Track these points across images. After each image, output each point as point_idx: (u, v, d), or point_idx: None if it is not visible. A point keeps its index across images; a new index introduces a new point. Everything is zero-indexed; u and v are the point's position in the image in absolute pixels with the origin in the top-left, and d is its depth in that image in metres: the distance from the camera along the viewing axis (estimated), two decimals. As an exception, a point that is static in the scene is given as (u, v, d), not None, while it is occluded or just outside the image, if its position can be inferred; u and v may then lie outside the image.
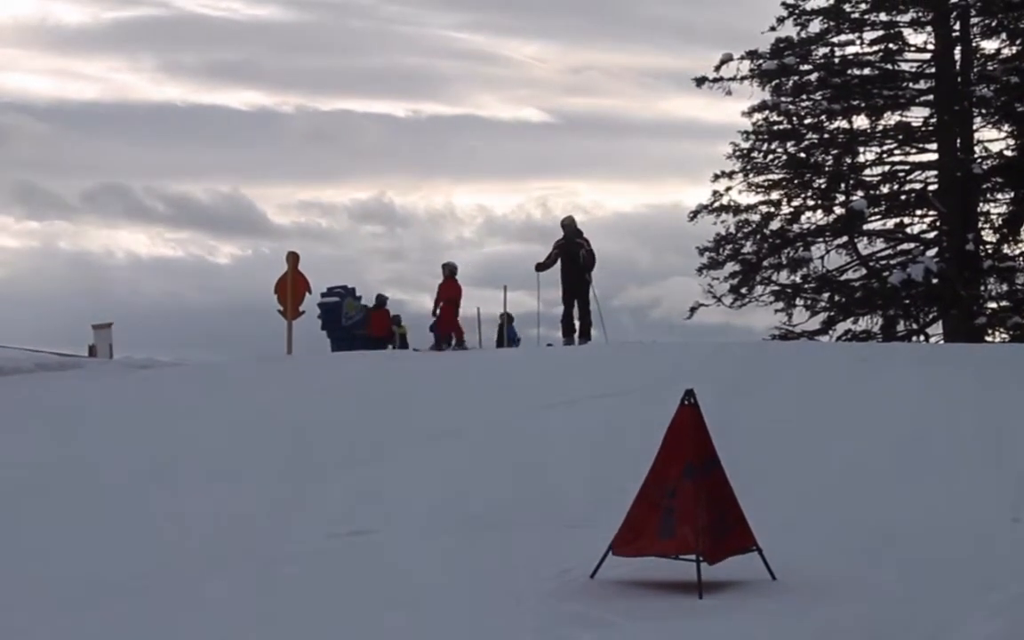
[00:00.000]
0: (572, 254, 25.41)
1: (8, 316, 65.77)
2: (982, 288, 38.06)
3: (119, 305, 72.51)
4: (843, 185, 39.25)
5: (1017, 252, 38.37)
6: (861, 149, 39.67)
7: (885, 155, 39.50)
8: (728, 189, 39.97)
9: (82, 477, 13.24)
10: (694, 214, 40.29)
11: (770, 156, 40.22)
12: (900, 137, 39.08)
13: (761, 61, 39.73)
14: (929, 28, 38.72)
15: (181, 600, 8.60)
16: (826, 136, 39.75)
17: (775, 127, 40.07)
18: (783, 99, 39.67)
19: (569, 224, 25.89)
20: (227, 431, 15.55)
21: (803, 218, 39.77)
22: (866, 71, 39.51)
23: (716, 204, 39.92)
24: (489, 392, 17.49)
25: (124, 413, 17.64)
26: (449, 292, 28.55)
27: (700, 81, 40.05)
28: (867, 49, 39.31)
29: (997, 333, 38.31)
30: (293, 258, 26.78)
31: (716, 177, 40.02)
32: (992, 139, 38.86)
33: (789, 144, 39.89)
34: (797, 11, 39.35)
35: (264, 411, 16.92)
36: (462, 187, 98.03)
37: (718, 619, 7.60)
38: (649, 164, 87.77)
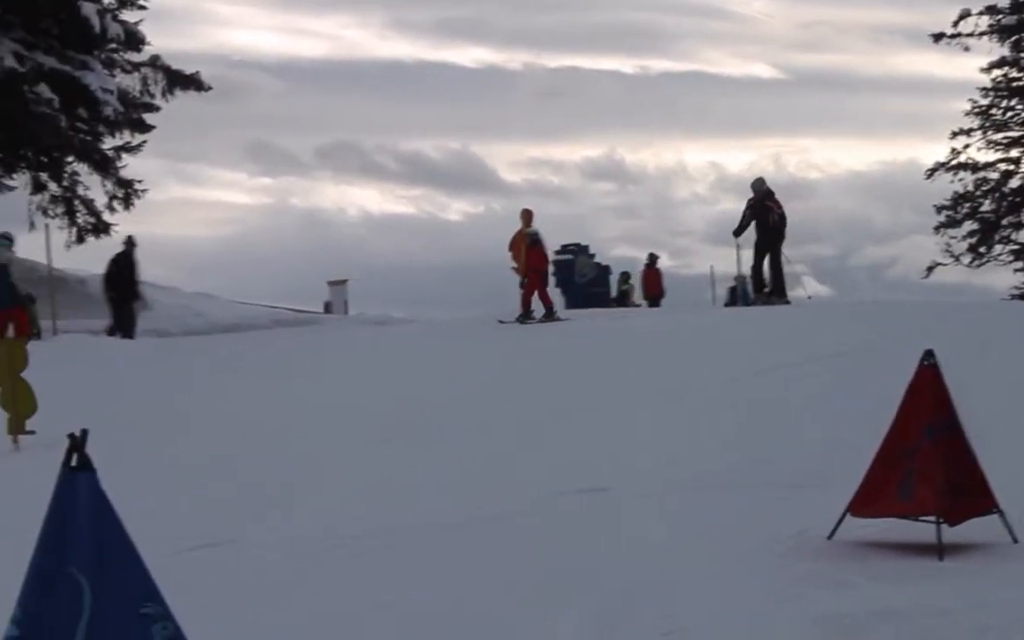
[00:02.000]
0: (762, 215, 25.10)
1: (243, 272, 67.36)
2: None
3: (351, 261, 73.86)
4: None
5: None
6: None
7: None
8: (966, 146, 39.12)
9: (346, 424, 13.60)
10: (931, 172, 39.55)
11: (1009, 113, 39.26)
12: None
13: (1000, 16, 38.73)
14: None
15: (446, 547, 8.81)
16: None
17: (1015, 83, 39.05)
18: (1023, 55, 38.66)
19: (758, 186, 25.63)
20: (463, 386, 15.80)
21: (1044, 176, 38.78)
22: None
23: (954, 162, 39.10)
24: (718, 352, 17.42)
25: (371, 366, 18.11)
26: (538, 262, 24.41)
27: (938, 37, 39.25)
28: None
29: None
30: (527, 215, 26.89)
31: (954, 134, 39.21)
32: None
33: (1029, 100, 38.87)
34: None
35: (497, 367, 17.12)
36: (693, 144, 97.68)
37: (959, 582, 7.46)
38: (883, 121, 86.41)
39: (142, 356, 22.26)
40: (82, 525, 4.52)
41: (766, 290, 25.33)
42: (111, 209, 38.89)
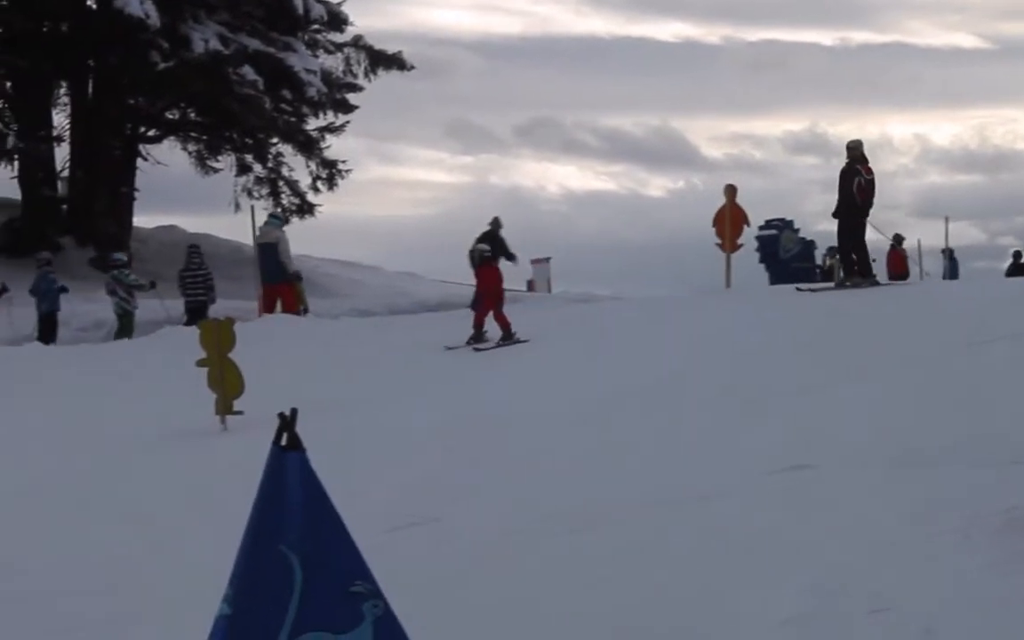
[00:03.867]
0: (848, 181, 22.32)
1: (445, 251, 67.88)
2: None
3: (552, 239, 73.99)
4: None
5: None
6: None
7: None
8: None
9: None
10: None
11: None
12: None
13: None
14: None
15: (657, 525, 8.74)
16: None
17: None
18: None
19: (853, 147, 22.65)
20: (668, 364, 15.70)
21: None
22: None
23: None
24: (927, 324, 17.03)
25: (576, 342, 18.16)
26: (490, 282, 20.72)
27: None
28: None
29: None
30: (731, 191, 26.62)
31: None
32: None
33: None
34: None
35: (701, 345, 16.98)
36: (897, 116, 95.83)
37: None
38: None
39: (345, 335, 22.52)
40: (293, 504, 4.54)
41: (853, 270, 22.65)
42: (315, 190, 39.53)
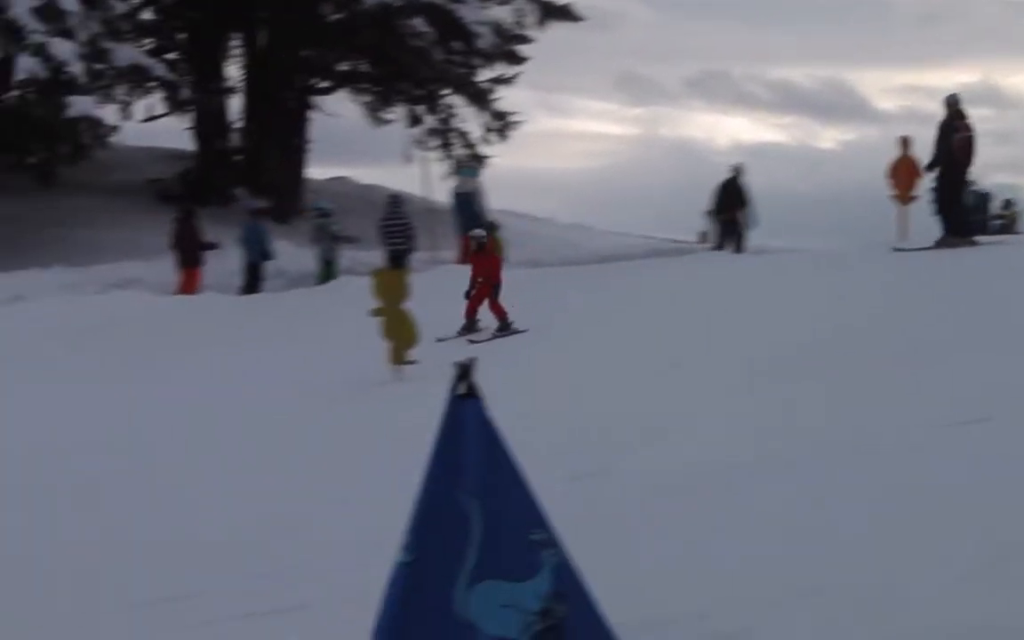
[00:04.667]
0: (945, 137, 21.64)
1: (615, 202, 67.73)
2: None
3: (723, 192, 73.24)
4: None
5: None
6: None
7: None
8: None
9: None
10: None
11: None
12: None
13: None
14: None
15: (830, 473, 8.63)
16: None
17: None
18: None
19: (952, 103, 21.85)
20: (842, 317, 15.49)
21: None
22: None
23: None
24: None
25: (747, 296, 18.02)
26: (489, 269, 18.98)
27: None
28: None
29: None
30: (905, 142, 26.17)
31: None
32: None
33: None
34: None
35: (876, 298, 16.72)
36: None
37: None
38: None
39: (520, 286, 22.56)
40: (471, 452, 4.55)
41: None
42: (486, 141, 39.60)
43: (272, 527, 9.21)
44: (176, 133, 38.64)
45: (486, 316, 18.00)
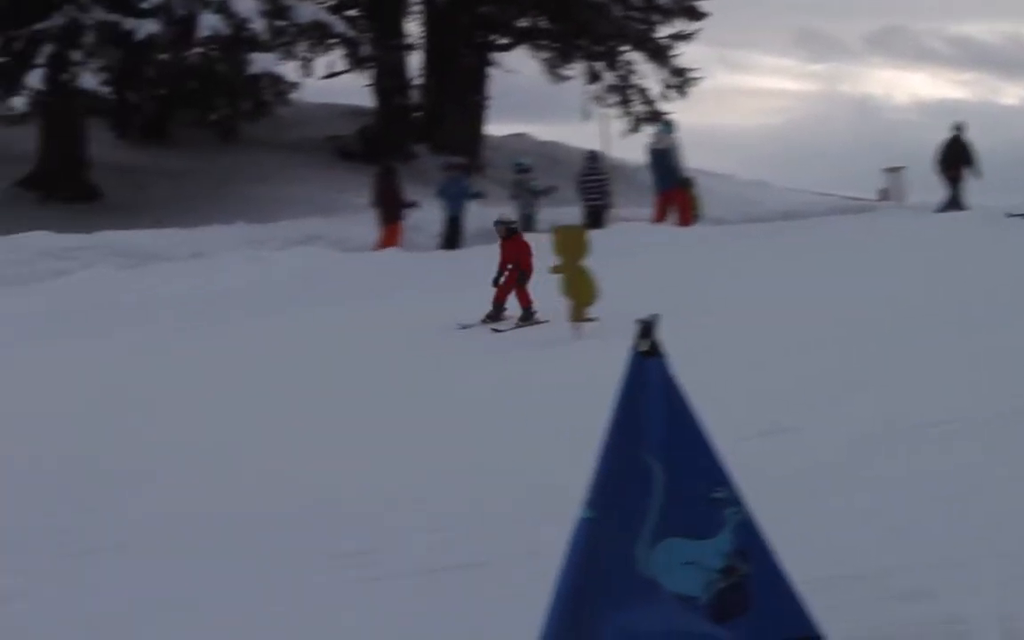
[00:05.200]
0: None
1: (793, 159, 66.91)
2: None
3: (903, 148, 72.11)
4: None
5: None
6: None
7: None
8: None
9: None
10: None
11: None
12: None
13: None
14: None
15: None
16: None
17: None
18: None
19: None
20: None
21: None
22: None
23: None
24: None
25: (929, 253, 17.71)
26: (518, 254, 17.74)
27: None
28: None
29: None
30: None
31: None
32: None
33: None
34: None
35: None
36: None
37: None
38: None
39: (696, 243, 22.44)
40: (654, 410, 4.52)
41: None
42: (665, 98, 39.37)
43: (451, 481, 9.25)
44: (356, 90, 39.09)
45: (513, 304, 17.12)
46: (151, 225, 26.39)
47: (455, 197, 27.11)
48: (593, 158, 28.63)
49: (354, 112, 39.93)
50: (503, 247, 17.62)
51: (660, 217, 26.67)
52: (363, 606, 7.00)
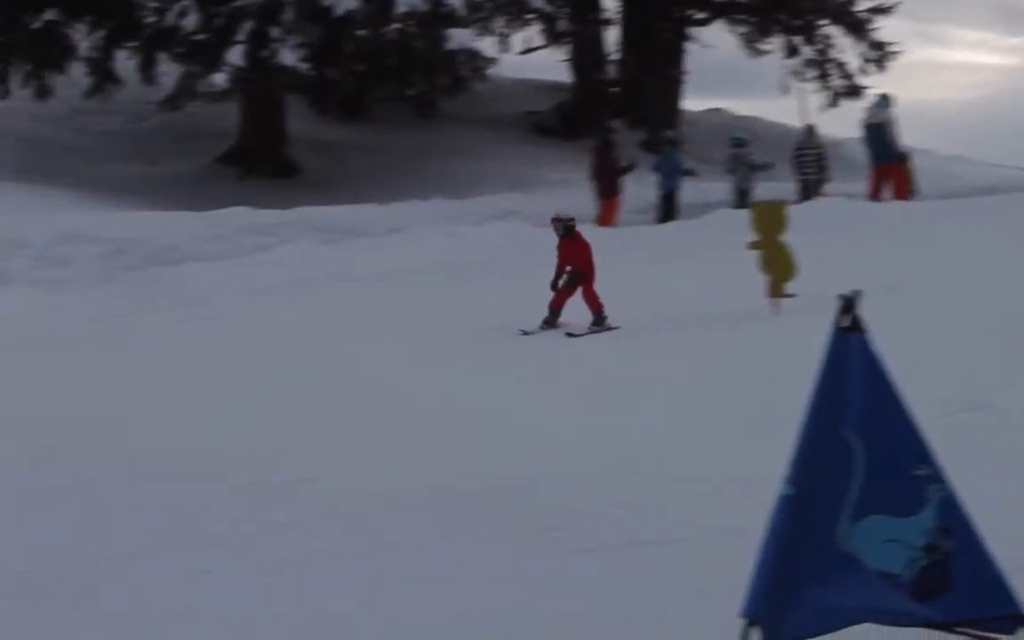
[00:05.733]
0: None
1: (992, 134, 65.35)
2: None
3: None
4: None
5: None
6: None
7: None
8: None
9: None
10: None
11: None
12: None
13: None
14: None
15: None
16: None
17: None
18: None
19: None
20: None
21: None
22: None
23: None
24: None
25: None
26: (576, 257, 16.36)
27: None
28: None
29: None
30: None
31: None
32: None
33: None
34: None
35: None
36: None
37: None
38: None
39: (901, 218, 22.07)
40: (855, 386, 4.50)
41: None
42: (863, 72, 38.76)
43: (647, 457, 9.27)
44: (553, 65, 39.13)
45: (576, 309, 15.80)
46: (349, 201, 26.75)
47: (669, 173, 27.09)
48: (810, 132, 28.40)
49: (551, 88, 40.02)
50: (560, 247, 16.15)
51: (875, 192, 26.31)
52: (557, 580, 7.07)
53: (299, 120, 32.90)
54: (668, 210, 26.81)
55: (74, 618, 7.16)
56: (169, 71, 30.01)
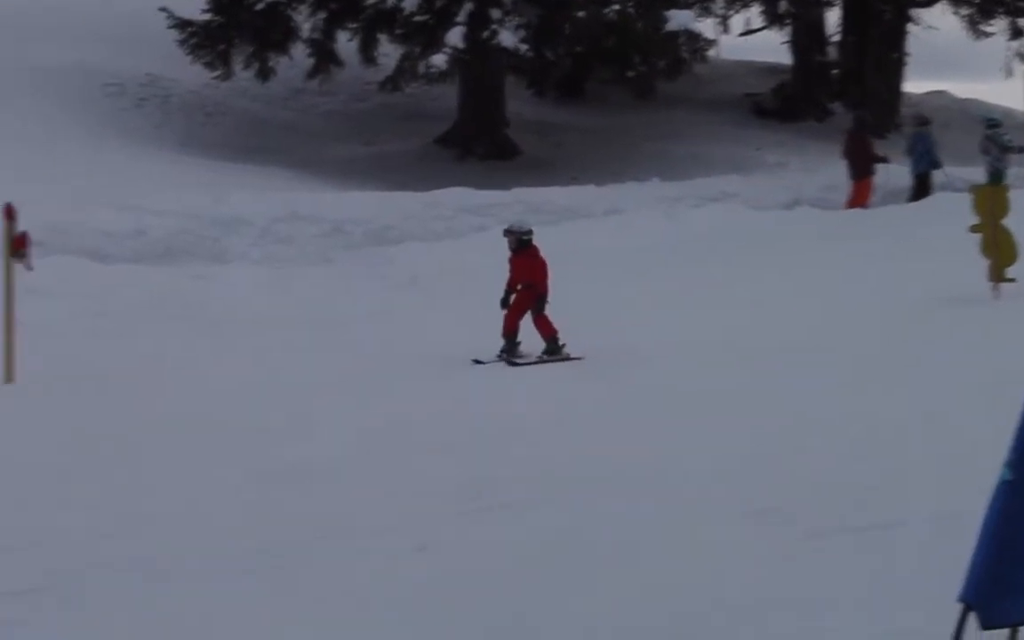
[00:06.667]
0: None
1: None
2: None
3: None
4: None
5: None
6: None
7: None
8: None
9: None
10: None
11: None
12: None
13: None
14: None
15: None
16: None
17: None
18: None
19: None
20: None
21: None
22: None
23: None
24: None
25: None
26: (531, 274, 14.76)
27: None
28: None
29: None
30: None
31: None
32: None
33: None
34: None
35: None
36: None
37: None
38: None
39: None
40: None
41: None
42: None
43: (860, 445, 9.19)
44: (773, 47, 38.79)
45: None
46: (568, 182, 26.82)
47: (921, 155, 26.62)
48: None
49: (771, 69, 39.64)
50: (513, 262, 14.58)
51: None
52: (776, 561, 7.05)
53: (517, 102, 33.10)
54: (920, 194, 26.30)
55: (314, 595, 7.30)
56: (389, 52, 30.38)
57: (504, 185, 25.29)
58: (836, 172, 26.68)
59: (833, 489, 8.15)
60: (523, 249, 14.53)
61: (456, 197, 24.04)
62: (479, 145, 30.83)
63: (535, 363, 13.98)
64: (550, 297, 14.29)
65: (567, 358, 13.98)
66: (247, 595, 7.13)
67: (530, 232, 14.79)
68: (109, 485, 9.50)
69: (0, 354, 13.42)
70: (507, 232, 14.87)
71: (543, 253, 14.55)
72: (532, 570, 7.24)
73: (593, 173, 27.74)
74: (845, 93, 36.49)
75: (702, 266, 18.92)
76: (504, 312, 14.29)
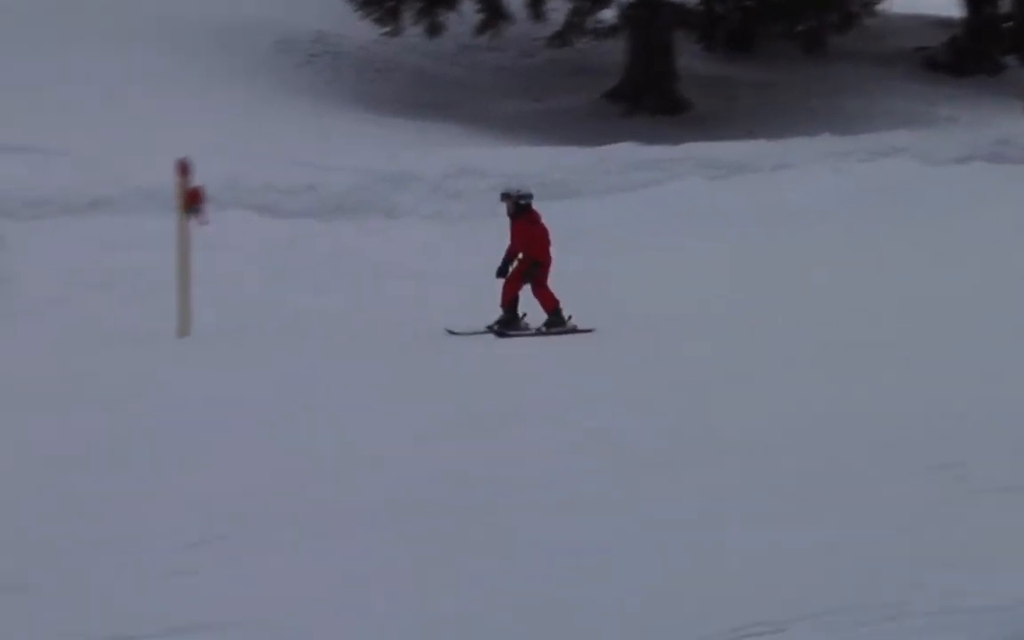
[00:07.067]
0: None
1: None
2: None
3: None
4: None
5: None
6: None
7: None
8: None
9: None
10: None
11: None
12: None
13: None
14: None
15: None
16: None
17: None
18: None
19: None
20: None
21: None
22: None
23: None
24: None
25: None
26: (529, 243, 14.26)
27: None
28: None
29: None
30: None
31: None
32: None
33: None
34: None
35: None
36: None
37: None
38: None
39: None
40: None
41: None
42: None
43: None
44: (944, 0, 38.05)
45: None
46: (740, 137, 26.64)
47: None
48: None
49: (942, 23, 38.90)
50: (513, 229, 13.91)
51: None
52: (947, 517, 7.06)
53: (686, 56, 32.91)
54: None
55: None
56: (557, 7, 30.39)
57: (671, 140, 25.20)
58: (1011, 126, 26.18)
59: (994, 447, 8.14)
60: (521, 214, 13.88)
61: (626, 152, 24.00)
62: (648, 100, 30.71)
63: (535, 335, 13.44)
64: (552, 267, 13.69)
65: (573, 330, 13.34)
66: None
67: (530, 196, 14.11)
68: (267, 444, 9.65)
69: (175, 307, 13.71)
70: (504, 196, 14.13)
71: (547, 221, 14.11)
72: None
73: (762, 127, 27.54)
74: (1018, 46, 35.71)
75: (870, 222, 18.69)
76: (500, 279, 13.70)
